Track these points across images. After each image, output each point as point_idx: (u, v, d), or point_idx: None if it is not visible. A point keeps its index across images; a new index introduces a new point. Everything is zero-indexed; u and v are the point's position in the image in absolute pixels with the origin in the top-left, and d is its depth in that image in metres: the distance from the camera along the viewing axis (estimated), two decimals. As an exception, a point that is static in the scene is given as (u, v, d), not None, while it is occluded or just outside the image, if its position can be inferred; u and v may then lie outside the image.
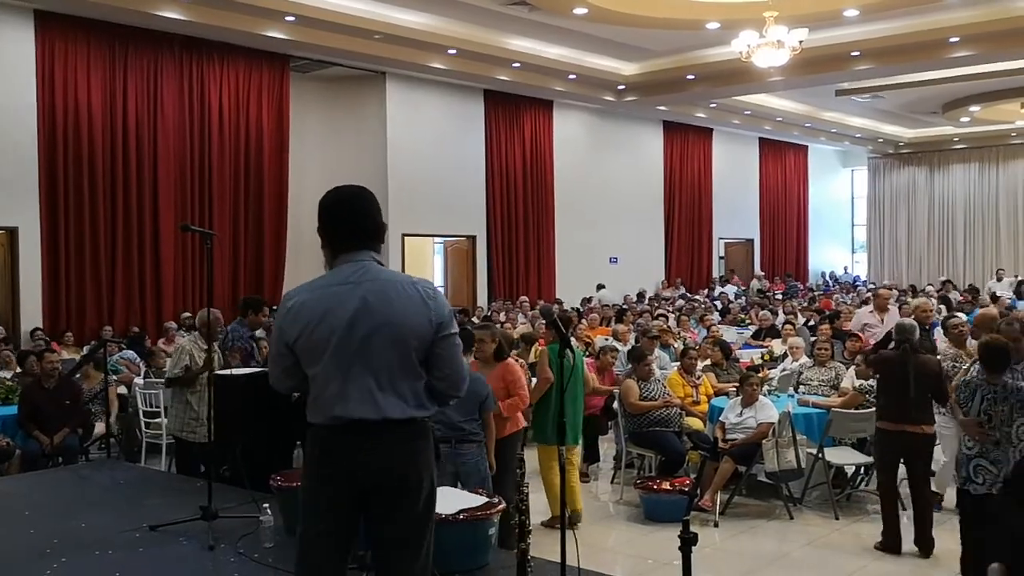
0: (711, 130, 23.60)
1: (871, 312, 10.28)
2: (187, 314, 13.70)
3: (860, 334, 9.74)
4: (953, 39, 14.34)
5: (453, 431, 5.65)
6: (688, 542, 3.35)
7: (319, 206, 3.16)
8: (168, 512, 5.37)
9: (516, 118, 18.75)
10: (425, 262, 19.68)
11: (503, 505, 4.59)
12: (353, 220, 3.11)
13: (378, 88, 16.46)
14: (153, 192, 13.60)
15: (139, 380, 9.64)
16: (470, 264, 18.35)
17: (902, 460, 6.42)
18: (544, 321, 7.60)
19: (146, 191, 13.53)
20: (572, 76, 17.03)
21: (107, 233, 13.15)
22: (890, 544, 6.35)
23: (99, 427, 8.61)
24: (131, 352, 11.07)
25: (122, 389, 9.47)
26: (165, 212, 13.69)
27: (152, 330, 13.22)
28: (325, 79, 16.48)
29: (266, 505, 4.96)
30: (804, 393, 8.42)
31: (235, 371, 6.47)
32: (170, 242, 13.79)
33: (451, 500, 4.55)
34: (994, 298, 16.24)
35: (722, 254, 25.07)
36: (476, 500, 4.61)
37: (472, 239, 18.31)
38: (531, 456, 6.57)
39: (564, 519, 3.49)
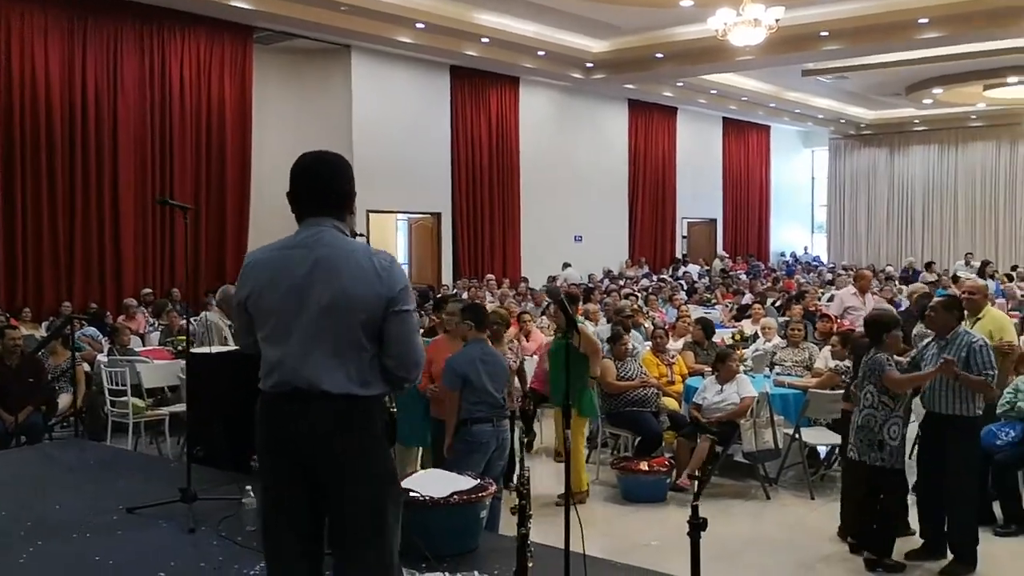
0: (675, 109, 23.61)
1: (854, 294, 10.33)
2: (147, 290, 13.45)
3: (831, 315, 9.79)
4: (922, 20, 14.42)
5: (495, 410, 5.50)
6: (697, 527, 3.29)
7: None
8: (143, 494, 5.23)
9: (482, 95, 18.58)
10: (389, 239, 19.49)
11: (494, 488, 4.52)
12: (313, 185, 3.00)
13: (343, 62, 16.19)
14: (113, 166, 13.27)
15: (103, 357, 9.43)
16: (435, 241, 18.21)
17: None
18: (551, 301, 7.51)
19: (106, 165, 13.19)
20: (541, 53, 16.89)
21: (65, 208, 12.82)
22: (846, 530, 6.35)
23: (64, 399, 8.40)
24: (92, 329, 10.84)
25: (84, 367, 9.25)
26: (125, 187, 13.37)
27: (112, 307, 12.94)
28: (289, 52, 16.16)
29: (248, 487, 4.84)
30: (778, 373, 8.44)
31: (212, 349, 6.31)
32: (130, 217, 13.48)
33: (442, 483, 4.47)
34: (955, 279, 16.44)
35: (685, 234, 25.16)
36: (467, 483, 4.54)
37: (437, 216, 18.16)
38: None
39: (568, 502, 3.40)
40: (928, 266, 21.15)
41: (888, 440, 5.53)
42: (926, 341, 5.96)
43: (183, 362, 8.63)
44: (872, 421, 5.57)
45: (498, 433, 5.50)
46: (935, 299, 6.36)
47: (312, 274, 2.88)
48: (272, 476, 2.98)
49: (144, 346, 10.71)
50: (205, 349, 6.45)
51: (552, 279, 18.17)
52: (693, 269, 21.88)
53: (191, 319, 7.01)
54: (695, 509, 3.41)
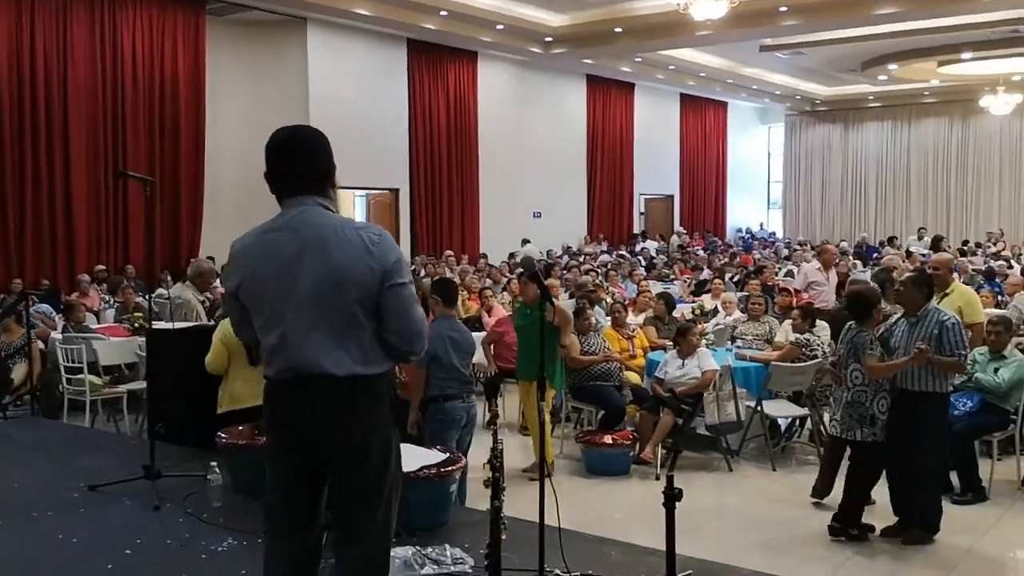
0: (633, 85, 23.61)
1: (818, 269, 10.45)
2: (101, 267, 13.21)
3: (792, 288, 9.90)
4: (879, -5, 14.57)
5: (465, 385, 5.50)
6: (672, 497, 3.31)
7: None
8: (104, 471, 5.16)
9: (440, 69, 18.43)
10: (346, 215, 19.29)
11: (464, 462, 4.51)
12: (292, 162, 2.89)
13: (299, 34, 15.94)
14: (64, 139, 12.99)
15: (57, 335, 9.25)
16: (393, 218, 18.05)
17: None
18: (525, 273, 7.47)
19: (56, 139, 12.91)
20: (500, 26, 16.76)
21: (15, 182, 12.56)
22: (822, 490, 6.43)
23: (18, 371, 8.23)
24: (45, 306, 10.62)
25: (39, 344, 9.07)
26: (77, 160, 13.11)
27: (64, 284, 12.69)
28: (243, 23, 15.87)
29: (214, 463, 4.79)
30: (740, 347, 8.52)
31: (175, 325, 6.20)
32: (82, 191, 13.22)
33: (412, 457, 4.44)
34: (908, 254, 16.72)
35: (643, 210, 25.26)
36: (436, 457, 4.52)
37: (395, 192, 18.02)
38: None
39: (543, 473, 3.40)
40: (891, 240, 21.40)
41: (879, 414, 5.53)
42: (895, 317, 5.93)
43: (141, 339, 8.51)
44: (863, 396, 5.57)
45: (468, 408, 5.50)
46: (906, 275, 6.30)
47: (301, 255, 2.80)
48: (276, 455, 2.93)
49: (99, 323, 10.53)
50: (167, 325, 6.34)
51: (512, 256, 18.17)
52: (651, 245, 21.99)
53: (161, 294, 6.90)
54: (670, 480, 3.43)
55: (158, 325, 6.38)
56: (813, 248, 20.18)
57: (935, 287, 6.35)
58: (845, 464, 6.01)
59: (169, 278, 12.62)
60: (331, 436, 2.80)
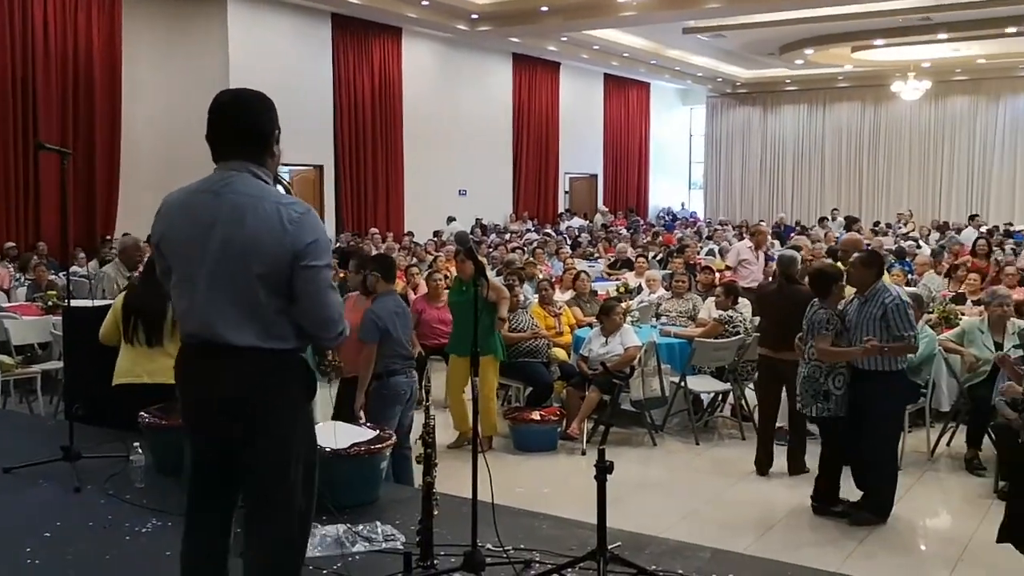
0: (559, 65, 23.67)
1: (749, 247, 10.65)
2: (11, 244, 12.75)
3: (712, 267, 10.08)
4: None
5: (407, 360, 5.47)
6: (604, 470, 3.35)
7: None
8: (20, 453, 5.01)
9: (365, 45, 18.19)
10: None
11: (394, 439, 4.50)
12: (226, 126, 2.81)
13: (219, 8, 15.55)
14: (-30, 111, 12.49)
15: (-33, 314, 8.91)
16: (317, 194, 17.80)
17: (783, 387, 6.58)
18: (459, 248, 7.40)
19: (-38, 110, 12.41)
20: (425, 2, 16.61)
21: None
22: (763, 464, 6.61)
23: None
24: (-47, 284, 10.23)
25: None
26: (-16, 133, 12.61)
27: (-28, 261, 12.22)
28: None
29: (136, 444, 4.68)
30: (664, 324, 8.64)
31: (93, 302, 6.03)
32: (-11, 166, 12.74)
33: (341, 434, 4.42)
34: (823, 233, 17.16)
35: (567, 188, 25.40)
36: (367, 434, 4.50)
37: (319, 169, 17.78)
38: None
39: (476, 449, 3.40)
40: (821, 221, 21.79)
41: (833, 390, 5.63)
42: (850, 297, 5.97)
43: (55, 318, 8.25)
44: (818, 372, 5.67)
45: (411, 384, 5.48)
46: (855, 255, 6.19)
47: (215, 221, 2.73)
48: (186, 428, 2.91)
49: (9, 302, 10.18)
50: (87, 303, 6.16)
51: (437, 234, 18.10)
52: (575, 223, 22.14)
53: (76, 272, 6.69)
54: (601, 452, 3.47)
55: (76, 303, 6.20)
56: (735, 228, 20.60)
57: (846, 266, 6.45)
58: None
59: (83, 255, 12.27)
60: (232, 409, 2.76)
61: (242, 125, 2.83)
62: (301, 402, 2.88)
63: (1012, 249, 14.15)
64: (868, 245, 15.50)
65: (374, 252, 14.71)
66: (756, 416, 7.17)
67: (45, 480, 4.67)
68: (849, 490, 5.79)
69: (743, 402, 7.91)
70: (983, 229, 17.17)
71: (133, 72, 14.62)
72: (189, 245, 2.76)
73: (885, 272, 7.70)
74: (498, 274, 10.54)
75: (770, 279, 6.88)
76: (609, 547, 3.66)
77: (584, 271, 10.61)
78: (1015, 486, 4.60)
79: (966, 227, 18.35)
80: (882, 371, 5.56)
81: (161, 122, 14.65)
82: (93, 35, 13.89)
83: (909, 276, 10.92)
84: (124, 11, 14.34)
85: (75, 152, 13.70)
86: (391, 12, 16.90)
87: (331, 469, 4.21)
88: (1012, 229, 19.40)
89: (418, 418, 3.98)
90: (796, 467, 6.53)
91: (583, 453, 7.20)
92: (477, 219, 20.81)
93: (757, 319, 7.71)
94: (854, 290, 5.81)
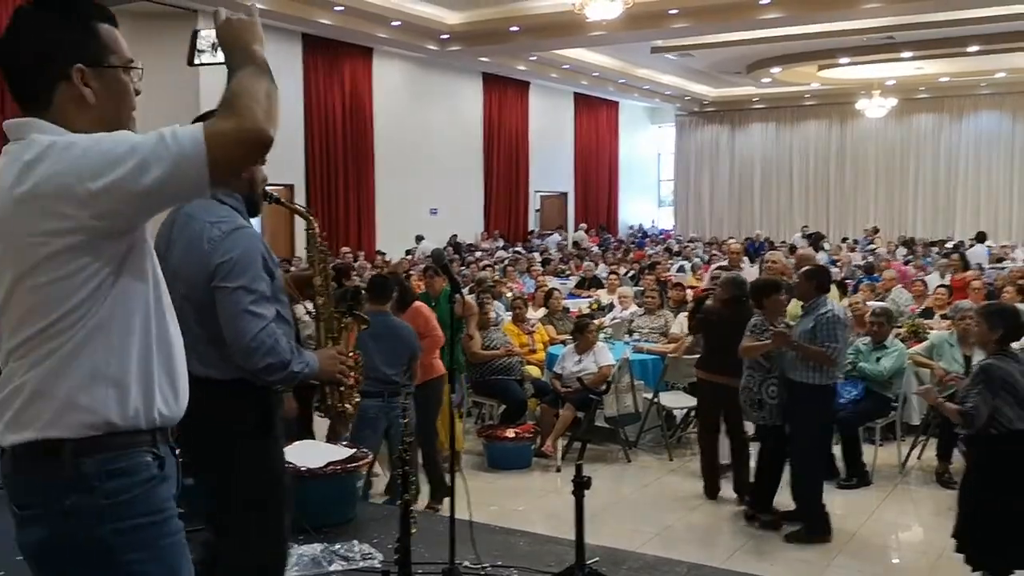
0: (528, 84, 23.80)
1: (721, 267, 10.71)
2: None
3: (683, 283, 10.16)
4: (764, 1, 15.03)
5: (386, 384, 5.31)
6: (581, 486, 3.37)
7: None
8: None
9: (336, 65, 18.20)
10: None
11: (370, 458, 4.50)
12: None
13: (188, 27, 15.31)
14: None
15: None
16: (288, 214, 17.71)
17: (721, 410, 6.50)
18: (434, 265, 7.41)
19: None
20: (396, 23, 16.66)
21: None
22: (711, 489, 6.55)
23: None
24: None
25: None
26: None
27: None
28: (130, 15, 15.30)
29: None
30: (636, 340, 8.69)
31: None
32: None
33: (317, 453, 4.41)
34: (792, 249, 17.32)
35: (538, 207, 25.50)
36: (342, 453, 4.50)
37: (290, 188, 17.71)
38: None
39: (453, 470, 3.42)
40: (792, 250, 21.87)
41: (767, 399, 5.72)
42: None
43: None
44: (751, 381, 5.78)
45: (388, 409, 5.29)
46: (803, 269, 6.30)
47: (171, 241, 2.70)
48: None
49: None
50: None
51: (409, 253, 18.10)
52: (552, 240, 22.27)
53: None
54: (579, 468, 3.49)
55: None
56: (705, 245, 20.76)
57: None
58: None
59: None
60: (188, 434, 2.61)
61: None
62: (244, 437, 2.73)
63: (978, 264, 14.36)
64: (836, 261, 15.76)
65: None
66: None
67: None
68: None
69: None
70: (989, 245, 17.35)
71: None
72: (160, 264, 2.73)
73: (833, 288, 7.86)
74: (470, 292, 10.55)
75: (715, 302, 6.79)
76: (587, 562, 3.69)
77: (556, 288, 10.65)
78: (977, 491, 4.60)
79: (971, 245, 18.14)
80: (809, 384, 5.57)
81: (130, 142, 14.49)
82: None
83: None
84: (92, 31, 14.26)
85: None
86: (362, 32, 16.93)
87: (307, 488, 4.22)
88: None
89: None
90: (744, 487, 6.41)
91: (558, 470, 7.22)
92: (452, 236, 20.85)
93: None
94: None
